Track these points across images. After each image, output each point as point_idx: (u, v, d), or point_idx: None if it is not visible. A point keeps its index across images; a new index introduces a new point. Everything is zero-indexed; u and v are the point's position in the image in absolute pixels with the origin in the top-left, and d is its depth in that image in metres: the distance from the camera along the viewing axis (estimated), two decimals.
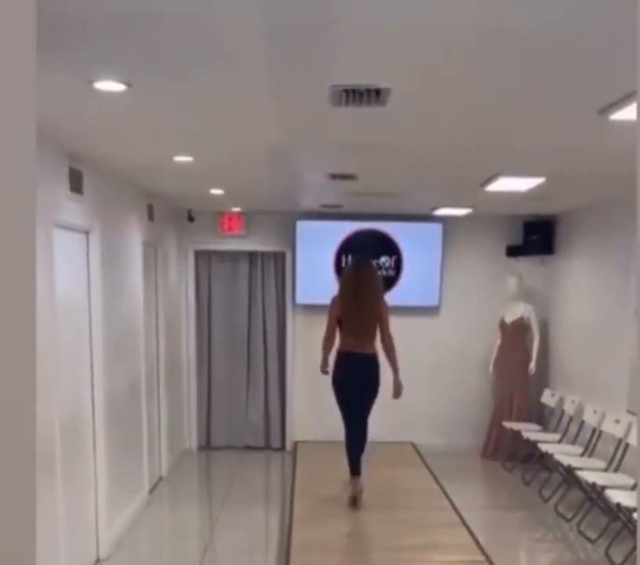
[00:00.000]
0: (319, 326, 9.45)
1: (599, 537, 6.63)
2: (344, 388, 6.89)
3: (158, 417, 8.60)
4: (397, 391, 6.93)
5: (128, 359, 7.13)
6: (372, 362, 6.83)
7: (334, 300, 7.04)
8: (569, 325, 9.17)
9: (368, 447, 7.08)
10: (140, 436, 7.60)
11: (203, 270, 10.11)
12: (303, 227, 9.71)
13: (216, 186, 7.51)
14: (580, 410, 8.29)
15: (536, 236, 9.46)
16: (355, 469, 6.88)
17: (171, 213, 9.14)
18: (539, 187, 6.79)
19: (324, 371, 7.19)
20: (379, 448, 8.08)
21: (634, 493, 6.23)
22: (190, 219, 9.57)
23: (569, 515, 7.32)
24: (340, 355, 7.01)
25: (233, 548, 6.82)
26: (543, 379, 9.65)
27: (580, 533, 6.89)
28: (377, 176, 6.77)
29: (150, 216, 8.01)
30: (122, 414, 6.80)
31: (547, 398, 9.21)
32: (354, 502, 6.83)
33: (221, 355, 10.25)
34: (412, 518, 6.51)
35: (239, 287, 10.17)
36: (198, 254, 10.02)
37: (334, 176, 6.61)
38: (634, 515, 5.84)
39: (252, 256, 10.09)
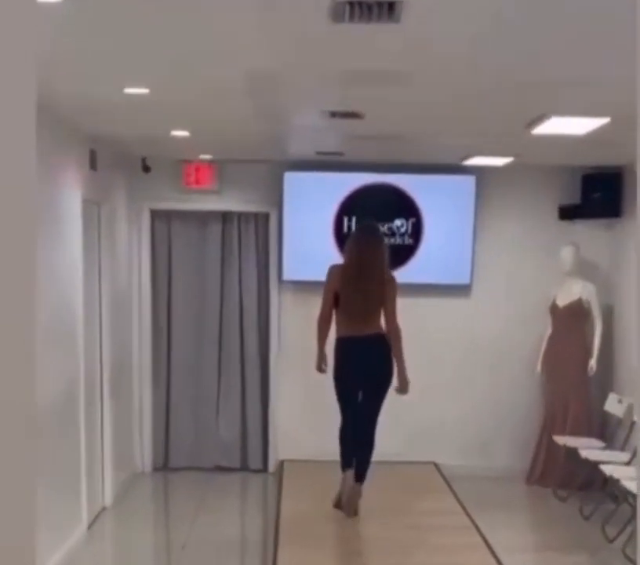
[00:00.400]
0: (313, 310, 9.48)
1: None
2: (348, 382, 7.27)
3: (100, 432, 8.63)
4: (403, 387, 7.34)
5: (61, 356, 7.08)
6: (379, 345, 7.23)
7: (332, 270, 7.43)
8: None
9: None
10: (77, 456, 7.62)
11: (162, 235, 10.09)
12: (293, 180, 9.70)
13: (180, 126, 7.49)
14: None
15: (599, 194, 9.41)
16: (348, 462, 7.37)
17: (120, 162, 9.19)
18: (602, 130, 6.73)
19: (321, 369, 7.34)
20: (391, 470, 8.13)
21: None
22: (146, 169, 9.59)
23: None
24: (340, 343, 7.36)
25: None
26: (607, 380, 9.65)
27: None
28: (390, 115, 6.77)
29: (93, 165, 8.02)
30: (53, 429, 6.76)
31: (613, 405, 9.16)
32: (354, 510, 7.11)
33: (185, 350, 10.25)
34: (436, 563, 6.49)
35: (209, 259, 10.15)
36: (156, 215, 9.99)
37: (334, 115, 6.58)
38: None
39: (226, 218, 10.07)
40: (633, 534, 7.82)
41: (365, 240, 7.42)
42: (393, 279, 7.39)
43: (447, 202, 9.81)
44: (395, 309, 7.34)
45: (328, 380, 9.32)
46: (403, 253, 9.67)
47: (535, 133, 6.91)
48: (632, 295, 9.32)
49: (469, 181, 9.73)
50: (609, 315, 9.63)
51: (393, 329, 7.30)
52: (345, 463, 7.43)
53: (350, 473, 7.38)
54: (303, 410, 10.06)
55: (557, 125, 6.62)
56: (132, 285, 9.90)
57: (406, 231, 9.81)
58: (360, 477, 7.43)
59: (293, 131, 7.97)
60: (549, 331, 9.63)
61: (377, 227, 8.05)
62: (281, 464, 9.99)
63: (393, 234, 9.74)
